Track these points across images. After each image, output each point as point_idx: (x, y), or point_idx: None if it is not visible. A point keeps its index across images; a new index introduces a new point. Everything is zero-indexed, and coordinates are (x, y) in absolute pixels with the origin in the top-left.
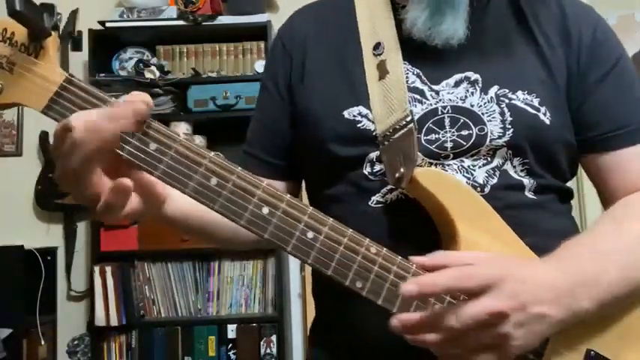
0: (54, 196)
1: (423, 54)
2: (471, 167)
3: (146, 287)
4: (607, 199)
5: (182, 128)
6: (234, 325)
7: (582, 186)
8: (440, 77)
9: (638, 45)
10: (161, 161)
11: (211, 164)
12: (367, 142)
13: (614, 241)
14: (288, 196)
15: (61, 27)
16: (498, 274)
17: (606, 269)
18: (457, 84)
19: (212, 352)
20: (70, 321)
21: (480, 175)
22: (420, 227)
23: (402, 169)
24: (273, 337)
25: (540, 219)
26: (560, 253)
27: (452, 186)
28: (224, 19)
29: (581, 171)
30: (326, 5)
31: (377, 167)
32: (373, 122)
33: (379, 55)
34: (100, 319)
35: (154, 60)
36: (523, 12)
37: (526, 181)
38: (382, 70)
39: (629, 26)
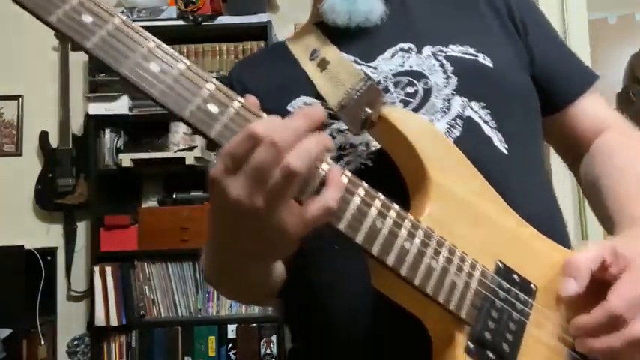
0: (54, 196)
1: (353, 41)
2: (430, 121)
3: (146, 287)
4: (581, 149)
5: (182, 128)
6: (234, 325)
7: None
8: (375, 55)
9: (638, 45)
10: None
11: (157, 49)
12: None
13: None
14: (239, 98)
15: None
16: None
17: None
18: (392, 56)
19: (212, 352)
20: (70, 321)
21: (441, 127)
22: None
23: (368, 110)
24: (273, 337)
25: (513, 173)
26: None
27: (422, 128)
28: (224, 19)
29: None
30: (257, 54)
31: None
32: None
33: (316, 57)
34: (100, 319)
35: None
36: None
37: (494, 134)
38: (323, 65)
39: (629, 26)
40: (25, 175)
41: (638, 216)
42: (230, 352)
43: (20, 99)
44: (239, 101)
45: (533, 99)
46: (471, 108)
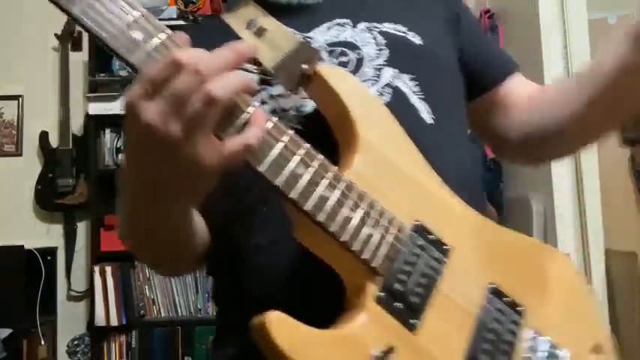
0: (54, 196)
1: (292, 16)
2: None
3: (146, 287)
4: (502, 135)
5: None
6: None
7: (582, 188)
8: (311, 27)
9: None
10: None
11: None
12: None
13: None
14: (168, 30)
15: (61, 27)
16: None
17: None
18: (329, 29)
19: None
20: (70, 321)
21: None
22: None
23: (304, 66)
24: None
25: (437, 141)
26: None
27: (355, 87)
28: None
29: (581, 173)
30: (195, 28)
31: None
32: (256, 72)
33: (254, 27)
34: (100, 319)
35: None
36: None
37: (422, 105)
38: (260, 32)
39: None
40: (25, 175)
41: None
42: None
43: (20, 99)
44: (166, 33)
45: (460, 78)
46: (400, 79)
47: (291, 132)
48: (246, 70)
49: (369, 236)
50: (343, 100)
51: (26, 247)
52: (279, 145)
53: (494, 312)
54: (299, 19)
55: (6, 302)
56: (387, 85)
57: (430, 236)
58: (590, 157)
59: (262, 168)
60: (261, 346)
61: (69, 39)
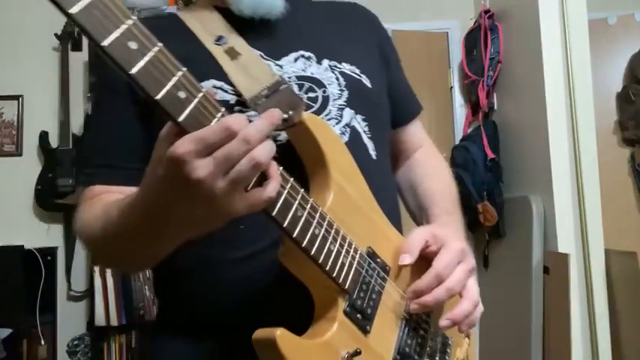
0: (54, 196)
1: (258, 34)
2: None
3: (146, 287)
4: (399, 160)
5: None
6: None
7: (582, 188)
8: (280, 54)
9: (638, 45)
10: None
11: (134, 27)
12: (228, 109)
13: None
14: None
15: (61, 27)
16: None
17: (457, 221)
18: (295, 60)
19: None
20: (70, 321)
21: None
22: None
23: (290, 112)
24: None
25: (379, 176)
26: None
27: (332, 137)
28: None
29: (581, 173)
30: (151, 22)
31: None
32: (231, 93)
33: (224, 44)
34: (100, 319)
35: None
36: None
37: (369, 143)
38: (232, 54)
39: (629, 26)
40: (25, 175)
41: (444, 207)
42: None
43: (20, 99)
44: (181, 70)
45: (390, 116)
46: (356, 120)
47: (291, 179)
48: (221, 89)
49: (343, 264)
50: (322, 148)
51: (26, 247)
52: (285, 192)
53: (414, 317)
54: (265, 40)
55: (6, 302)
56: (347, 124)
57: (377, 259)
58: (590, 157)
59: (274, 213)
60: (266, 355)
61: (69, 39)
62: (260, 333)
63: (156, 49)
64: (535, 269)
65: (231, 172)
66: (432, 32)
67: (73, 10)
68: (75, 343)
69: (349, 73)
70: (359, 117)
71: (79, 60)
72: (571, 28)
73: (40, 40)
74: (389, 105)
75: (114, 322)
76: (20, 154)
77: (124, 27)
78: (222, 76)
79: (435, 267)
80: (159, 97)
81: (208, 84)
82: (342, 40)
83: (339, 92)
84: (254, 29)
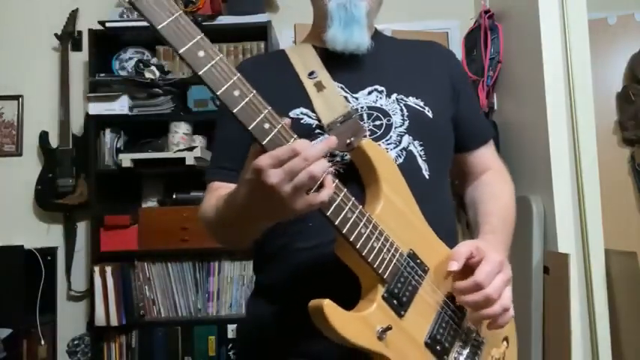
0: (54, 196)
1: (343, 71)
2: (386, 149)
3: (146, 287)
4: (468, 180)
5: (182, 128)
6: (234, 325)
7: (582, 188)
8: (357, 89)
9: (638, 45)
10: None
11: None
12: (309, 132)
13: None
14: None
15: (61, 27)
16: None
17: (501, 240)
18: (370, 93)
19: (212, 352)
20: (70, 321)
21: (392, 155)
22: (353, 189)
23: (352, 139)
24: None
25: (430, 193)
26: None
27: (384, 158)
28: (224, 19)
29: (581, 173)
30: (263, 58)
31: None
32: (314, 119)
33: (314, 78)
34: (100, 319)
35: (154, 60)
36: (411, 45)
37: (424, 165)
38: (319, 87)
39: (629, 26)
40: (25, 175)
41: (492, 227)
42: (230, 352)
43: (20, 99)
44: (269, 111)
45: (452, 142)
46: (413, 145)
47: (345, 189)
48: (307, 115)
49: (384, 259)
50: (376, 168)
51: (26, 247)
52: (338, 199)
53: (449, 312)
54: (347, 76)
55: (6, 302)
56: (404, 148)
57: (417, 260)
58: (590, 157)
59: (328, 213)
60: (316, 321)
61: (69, 39)
62: (313, 302)
63: (251, 94)
64: (535, 269)
65: (295, 180)
66: (432, 32)
67: (202, 71)
68: (75, 343)
69: (413, 105)
70: (416, 142)
71: (79, 60)
72: (571, 28)
73: (39, 40)
74: (452, 133)
75: (114, 322)
76: (20, 154)
77: (232, 80)
78: (309, 104)
79: (476, 275)
80: (250, 127)
81: (298, 110)
82: (414, 75)
83: (402, 121)
84: (341, 63)
